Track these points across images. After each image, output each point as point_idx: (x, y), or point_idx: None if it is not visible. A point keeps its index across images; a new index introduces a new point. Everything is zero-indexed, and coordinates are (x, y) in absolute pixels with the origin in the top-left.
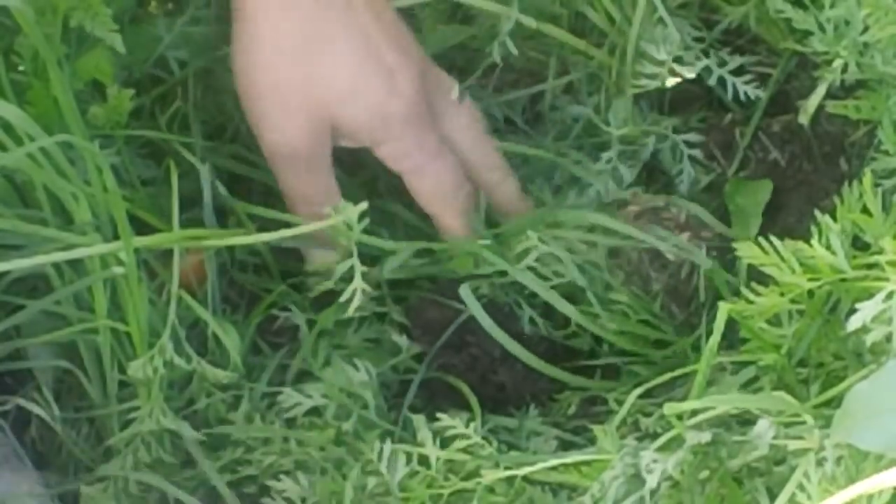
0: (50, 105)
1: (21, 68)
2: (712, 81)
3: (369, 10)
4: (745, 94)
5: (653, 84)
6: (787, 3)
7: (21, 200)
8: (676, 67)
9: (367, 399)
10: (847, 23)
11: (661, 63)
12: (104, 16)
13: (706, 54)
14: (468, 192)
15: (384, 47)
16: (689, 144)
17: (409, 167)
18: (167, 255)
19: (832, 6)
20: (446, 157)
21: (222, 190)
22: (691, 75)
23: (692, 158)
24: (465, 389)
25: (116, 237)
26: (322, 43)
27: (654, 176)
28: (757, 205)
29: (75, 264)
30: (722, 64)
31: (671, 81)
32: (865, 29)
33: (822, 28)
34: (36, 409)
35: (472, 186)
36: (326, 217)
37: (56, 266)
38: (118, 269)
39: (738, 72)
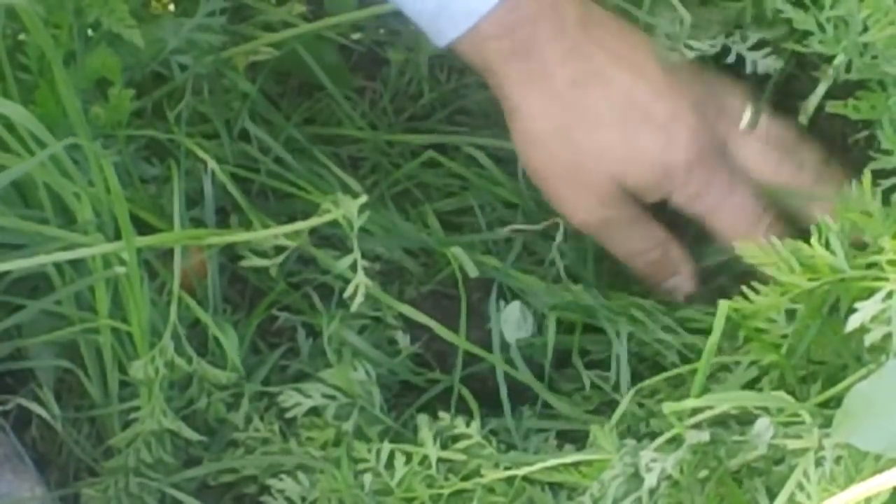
0: (55, 105)
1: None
2: (730, 59)
3: (629, 70)
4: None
5: (673, 56)
6: (787, 3)
7: (22, 200)
8: (694, 43)
9: (367, 399)
10: (846, 23)
11: (677, 37)
12: (122, 11)
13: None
14: (770, 223)
15: (651, 102)
16: None
17: (703, 210)
18: (168, 254)
19: (832, 6)
20: (739, 190)
21: (232, 189)
22: (713, 50)
23: None
24: (464, 391)
25: (118, 237)
26: (585, 122)
27: None
28: None
29: (77, 264)
30: (743, 40)
31: (691, 54)
32: (865, 29)
33: (821, 28)
34: (37, 409)
35: (774, 213)
36: (671, 259)
37: (57, 265)
38: (120, 269)
39: (757, 48)
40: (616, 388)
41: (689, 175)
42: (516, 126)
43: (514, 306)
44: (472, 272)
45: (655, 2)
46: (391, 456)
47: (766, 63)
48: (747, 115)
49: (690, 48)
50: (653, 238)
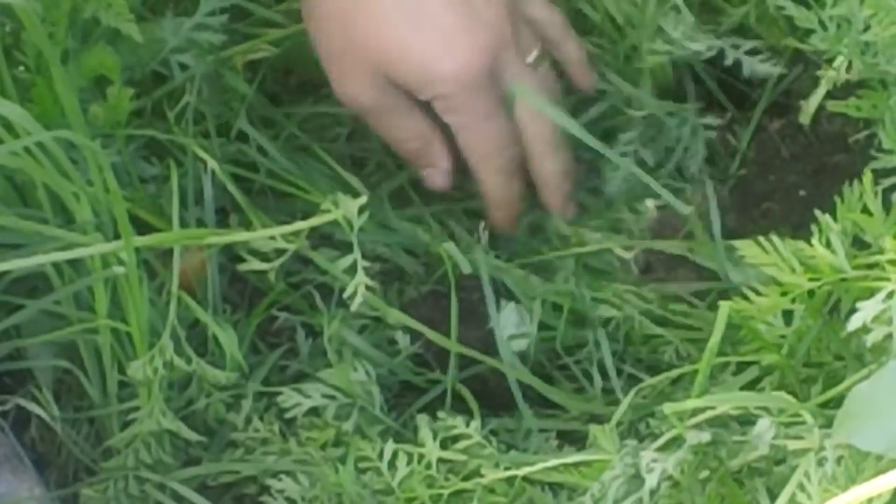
0: (52, 103)
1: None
2: (727, 62)
3: None
4: (758, 74)
5: (665, 57)
6: (789, 1)
7: (21, 200)
8: (690, 45)
9: (367, 399)
10: (848, 21)
11: (673, 41)
12: (119, 6)
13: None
14: (513, 155)
15: (441, 11)
16: (707, 127)
17: (455, 124)
18: (167, 254)
19: (833, 5)
20: (495, 119)
21: (232, 189)
22: (709, 53)
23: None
24: (464, 391)
25: (117, 236)
26: (366, 10)
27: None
28: None
29: (75, 264)
30: (736, 47)
31: (681, 52)
32: (867, 28)
33: (823, 26)
34: (36, 409)
35: (520, 152)
36: (430, 154)
37: (56, 265)
38: (119, 269)
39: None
40: (609, 392)
41: (454, 89)
42: (307, 5)
43: (511, 308)
44: (466, 269)
45: (661, 3)
46: (394, 455)
47: (764, 68)
48: (535, 53)
49: (686, 49)
50: (414, 130)
